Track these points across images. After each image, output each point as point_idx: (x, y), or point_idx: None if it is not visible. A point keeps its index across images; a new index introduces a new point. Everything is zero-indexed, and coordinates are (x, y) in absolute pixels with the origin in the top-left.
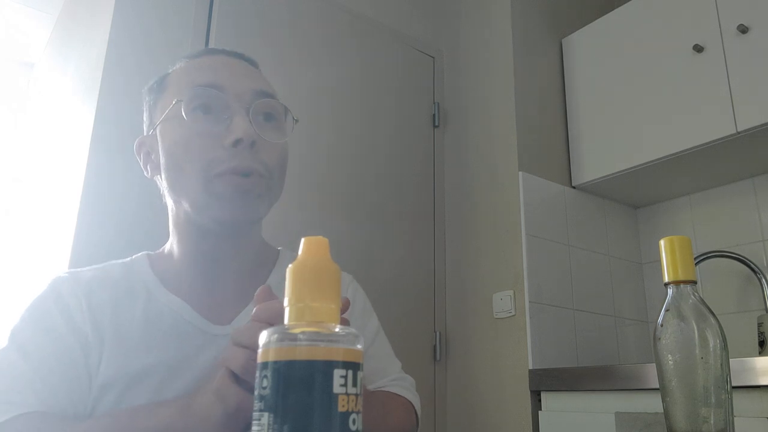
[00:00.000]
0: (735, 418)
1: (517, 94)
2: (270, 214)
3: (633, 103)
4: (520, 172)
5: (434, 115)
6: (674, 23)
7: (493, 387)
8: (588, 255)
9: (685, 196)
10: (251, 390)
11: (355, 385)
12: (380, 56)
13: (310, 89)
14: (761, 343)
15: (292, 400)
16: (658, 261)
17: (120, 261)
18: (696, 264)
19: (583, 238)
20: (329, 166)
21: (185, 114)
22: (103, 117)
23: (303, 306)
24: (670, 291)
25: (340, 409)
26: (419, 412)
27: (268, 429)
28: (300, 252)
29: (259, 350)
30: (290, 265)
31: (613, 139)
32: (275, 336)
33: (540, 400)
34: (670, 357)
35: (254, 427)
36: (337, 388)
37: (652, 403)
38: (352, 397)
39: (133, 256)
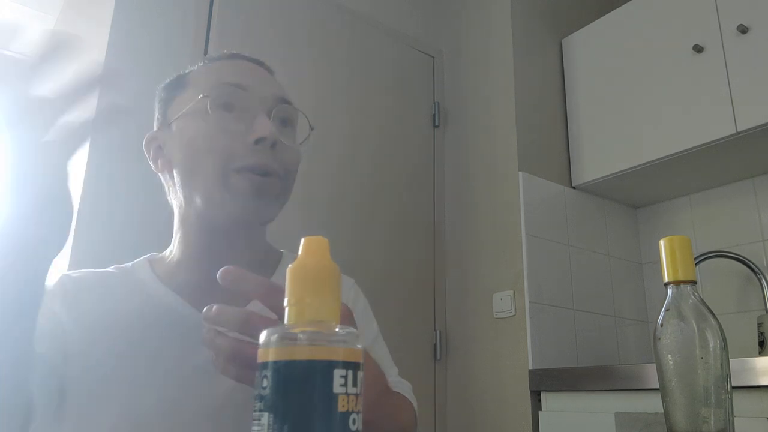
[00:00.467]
0: (735, 418)
1: (517, 94)
2: None
3: (633, 103)
4: (520, 172)
5: (434, 115)
6: (674, 23)
7: (493, 387)
8: (588, 255)
9: (685, 196)
10: (242, 368)
11: (355, 385)
12: (380, 56)
13: (310, 89)
14: (761, 343)
15: (292, 400)
16: (658, 261)
17: (121, 266)
18: (696, 264)
19: (583, 238)
20: (329, 165)
21: (210, 108)
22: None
23: (303, 306)
24: (670, 291)
25: (340, 409)
26: (416, 416)
27: (268, 429)
28: (300, 252)
29: (259, 350)
30: (290, 265)
31: (613, 139)
32: (275, 336)
33: (540, 400)
34: (670, 357)
35: (254, 428)
36: (337, 388)
37: (652, 403)
38: (352, 397)
39: (135, 261)
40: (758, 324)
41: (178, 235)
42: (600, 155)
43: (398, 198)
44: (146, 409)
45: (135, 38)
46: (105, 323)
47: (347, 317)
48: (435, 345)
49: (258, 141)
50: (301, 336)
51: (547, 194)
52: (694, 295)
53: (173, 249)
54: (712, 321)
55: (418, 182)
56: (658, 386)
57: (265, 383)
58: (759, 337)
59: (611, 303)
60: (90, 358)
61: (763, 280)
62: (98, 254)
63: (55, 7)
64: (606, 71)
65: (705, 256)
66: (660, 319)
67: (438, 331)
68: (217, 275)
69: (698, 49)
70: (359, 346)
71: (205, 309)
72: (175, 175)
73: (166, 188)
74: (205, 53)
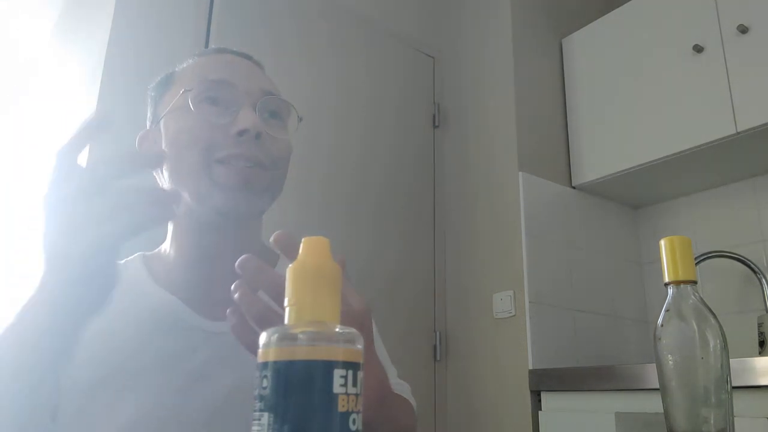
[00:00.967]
0: (735, 418)
1: (517, 94)
2: (270, 215)
3: (633, 103)
4: (520, 172)
5: (434, 115)
6: (674, 23)
7: (493, 387)
8: (588, 255)
9: (685, 196)
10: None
11: (355, 385)
12: (380, 56)
13: (310, 89)
14: (761, 343)
15: (292, 400)
16: (658, 261)
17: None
18: (696, 264)
19: (583, 238)
20: (329, 165)
21: (192, 104)
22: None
23: (303, 306)
24: (670, 291)
25: (340, 409)
26: (416, 417)
27: (268, 429)
28: (300, 252)
29: (259, 350)
30: (290, 265)
31: (613, 139)
32: (275, 336)
33: (540, 400)
34: (670, 357)
35: (254, 428)
36: (337, 388)
37: (652, 403)
38: (352, 397)
39: (128, 258)
40: (758, 324)
41: (171, 233)
42: (600, 155)
43: (398, 198)
44: (144, 412)
45: (135, 38)
46: (101, 322)
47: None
48: (435, 345)
49: (241, 133)
50: (301, 336)
51: (547, 194)
52: (695, 295)
53: (167, 247)
54: (712, 321)
55: (418, 182)
56: (658, 386)
57: (265, 383)
58: (759, 337)
59: (611, 303)
60: (86, 359)
61: (763, 280)
62: None
63: (55, 6)
64: (606, 71)
65: (705, 256)
66: (660, 319)
67: (438, 332)
68: (236, 264)
69: (698, 49)
70: (359, 346)
71: (242, 259)
72: (164, 172)
73: (160, 186)
74: None
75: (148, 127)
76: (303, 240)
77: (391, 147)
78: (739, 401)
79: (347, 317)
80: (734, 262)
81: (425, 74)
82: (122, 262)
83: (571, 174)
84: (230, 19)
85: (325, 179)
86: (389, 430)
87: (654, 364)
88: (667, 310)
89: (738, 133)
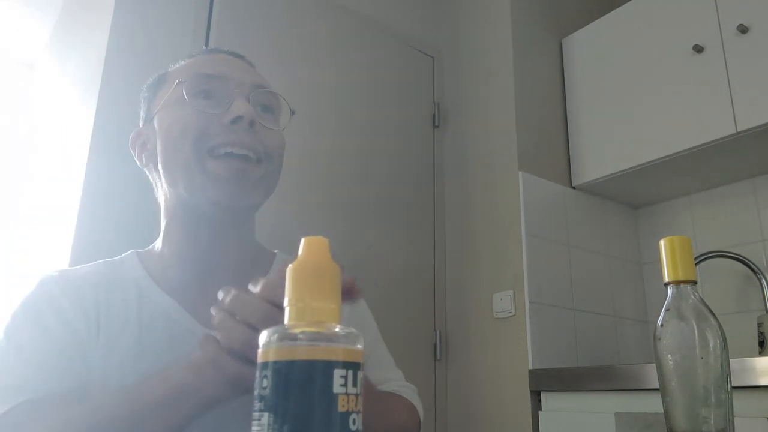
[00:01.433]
0: (735, 418)
1: (517, 94)
2: (268, 214)
3: (633, 103)
4: (520, 172)
5: (434, 115)
6: (674, 23)
7: (493, 387)
8: (588, 255)
9: (685, 196)
10: (246, 360)
11: (355, 385)
12: (380, 56)
13: (309, 89)
14: (761, 343)
15: (292, 400)
16: (658, 261)
17: (109, 260)
18: (696, 264)
19: (583, 238)
20: (329, 165)
21: (186, 95)
22: (103, 117)
23: (303, 306)
24: (670, 291)
25: (340, 409)
26: (422, 419)
27: (268, 429)
28: (300, 252)
29: (259, 350)
30: (290, 265)
31: (613, 139)
32: (275, 336)
33: (540, 400)
34: (670, 357)
35: (254, 428)
36: (337, 388)
37: (652, 403)
38: (352, 397)
39: (122, 255)
40: (758, 324)
41: (165, 229)
42: (600, 155)
43: (398, 198)
44: None
45: (135, 39)
46: (106, 319)
47: (351, 286)
48: (435, 345)
49: (235, 120)
50: (301, 336)
51: (547, 194)
52: (694, 295)
53: (160, 244)
54: (712, 321)
55: (418, 182)
56: (658, 386)
57: (265, 383)
58: (759, 337)
59: (611, 303)
60: (93, 356)
61: (763, 280)
62: (98, 254)
63: (55, 6)
64: (606, 71)
65: (705, 256)
66: (660, 319)
67: (438, 331)
68: (218, 292)
69: (698, 49)
70: (359, 346)
71: (220, 292)
72: (159, 166)
73: (153, 184)
74: None
75: (140, 126)
76: (303, 240)
77: (391, 147)
78: (739, 401)
79: None
80: (734, 262)
81: (425, 74)
82: (117, 258)
83: (571, 174)
84: (230, 19)
85: (324, 179)
86: (379, 428)
87: (654, 364)
88: (667, 310)
89: (738, 133)
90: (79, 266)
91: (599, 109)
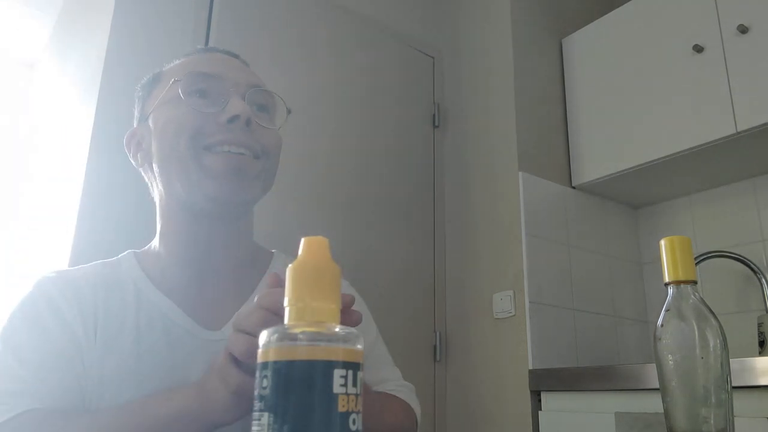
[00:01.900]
0: (735, 418)
1: (517, 94)
2: (268, 214)
3: (633, 103)
4: (520, 172)
5: (434, 115)
6: (674, 23)
7: (493, 387)
8: (588, 255)
9: (685, 196)
10: (252, 373)
11: (355, 385)
12: (380, 56)
13: (309, 89)
14: (761, 343)
15: (292, 400)
16: (658, 261)
17: (107, 260)
18: (696, 264)
19: (583, 238)
20: (329, 165)
21: (182, 94)
22: (103, 117)
23: (303, 306)
24: (670, 291)
25: (340, 409)
26: (419, 418)
27: (268, 429)
28: (300, 252)
29: (259, 350)
30: (290, 265)
31: (613, 139)
32: (275, 336)
33: (540, 400)
34: (670, 357)
35: (254, 428)
36: (337, 388)
37: (652, 403)
38: (352, 397)
39: (120, 255)
40: (758, 324)
41: (161, 229)
42: (600, 155)
43: (398, 198)
44: None
45: (135, 39)
46: (104, 321)
47: (350, 303)
48: (435, 345)
49: (231, 119)
50: (301, 336)
51: (547, 194)
52: (695, 295)
53: (157, 244)
54: (713, 321)
55: (418, 182)
56: (658, 386)
57: (265, 383)
58: (759, 337)
59: (611, 303)
60: (90, 357)
61: (763, 280)
62: (98, 254)
63: (55, 6)
64: (606, 71)
65: (705, 256)
66: (660, 319)
67: (438, 332)
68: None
69: (698, 49)
70: (359, 346)
71: (235, 316)
72: (154, 166)
73: (149, 184)
74: None
75: (135, 126)
76: (303, 240)
77: (391, 147)
78: (739, 401)
79: None
80: (734, 262)
81: (425, 74)
82: (114, 259)
83: (571, 174)
84: (230, 20)
85: (324, 179)
86: (373, 428)
87: (654, 364)
88: (667, 310)
89: (738, 133)
90: (76, 267)
91: (599, 109)
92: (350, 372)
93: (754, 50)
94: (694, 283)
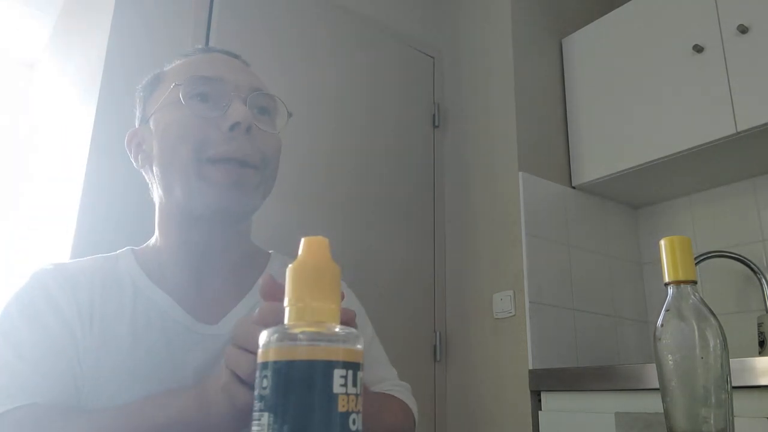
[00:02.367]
0: (735, 418)
1: (517, 94)
2: (268, 214)
3: (633, 103)
4: (520, 172)
5: (434, 115)
6: (674, 23)
7: (493, 387)
8: (588, 255)
9: (685, 196)
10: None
11: (355, 385)
12: (380, 56)
13: (309, 89)
14: (761, 343)
15: (292, 400)
16: (658, 261)
17: (106, 255)
18: (696, 264)
19: (583, 238)
20: (329, 166)
21: (183, 98)
22: (103, 117)
23: (303, 306)
24: (670, 291)
25: (340, 409)
26: (416, 417)
27: (268, 429)
28: (300, 252)
29: (259, 350)
30: (290, 265)
31: (613, 139)
32: (275, 336)
33: (540, 400)
34: (670, 357)
35: (254, 428)
36: (337, 388)
37: (652, 403)
38: (352, 397)
39: (118, 251)
40: (758, 324)
41: (160, 230)
42: (600, 155)
43: (398, 198)
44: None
45: (135, 39)
46: (101, 314)
47: (351, 321)
48: (435, 346)
49: (233, 126)
50: (301, 336)
51: (547, 194)
52: (694, 295)
53: (155, 242)
54: (712, 321)
55: (418, 182)
56: (658, 386)
57: (265, 383)
58: (759, 337)
59: (611, 303)
60: (87, 349)
61: (763, 280)
62: (98, 254)
63: (55, 6)
64: (606, 71)
65: (705, 256)
66: (660, 319)
67: (438, 332)
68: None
69: (698, 49)
70: (359, 346)
71: (233, 327)
72: (154, 168)
73: (149, 184)
74: None
75: (136, 126)
76: (303, 240)
77: (391, 147)
78: (739, 401)
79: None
80: (734, 262)
81: (425, 74)
82: (113, 254)
83: (571, 174)
84: (230, 19)
85: (324, 179)
86: (373, 428)
87: (654, 364)
88: (667, 310)
89: (738, 133)
90: (74, 260)
91: (599, 109)
92: (350, 372)
93: (754, 50)
94: (694, 283)
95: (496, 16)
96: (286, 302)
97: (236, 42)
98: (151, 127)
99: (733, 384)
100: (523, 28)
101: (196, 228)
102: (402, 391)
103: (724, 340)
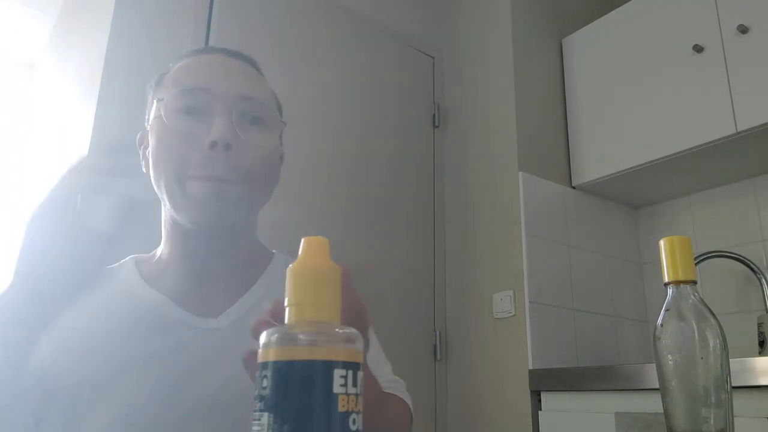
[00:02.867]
0: (735, 418)
1: (517, 94)
2: (268, 215)
3: (633, 103)
4: (520, 172)
5: (434, 115)
6: (674, 23)
7: (493, 387)
8: (588, 255)
9: (685, 196)
10: None
11: (355, 385)
12: (380, 56)
13: (309, 89)
14: (761, 343)
15: (292, 400)
16: (658, 261)
17: (107, 266)
18: (696, 264)
19: (583, 238)
20: (329, 166)
21: (164, 115)
22: (103, 117)
23: (303, 306)
24: (670, 291)
25: (340, 409)
26: (412, 413)
27: (268, 429)
28: (300, 252)
29: (260, 350)
30: (290, 265)
31: (613, 139)
32: (275, 336)
33: (540, 400)
34: (670, 357)
35: (254, 428)
36: (337, 388)
37: (652, 403)
38: (352, 397)
39: (121, 261)
40: (758, 324)
41: (163, 234)
42: (600, 155)
43: (398, 198)
44: (138, 407)
45: (135, 39)
46: (92, 323)
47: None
48: (435, 345)
49: (212, 145)
50: (301, 336)
51: (547, 194)
52: (694, 295)
53: (160, 249)
54: (712, 321)
55: (418, 182)
56: (658, 386)
57: (265, 383)
58: (759, 337)
59: (611, 303)
60: (76, 359)
61: (763, 280)
62: None
63: (55, 6)
64: (606, 71)
65: (705, 256)
66: (660, 319)
67: (438, 331)
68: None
69: (698, 49)
70: (359, 346)
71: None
72: (151, 177)
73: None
74: None
75: (146, 128)
76: (303, 240)
77: (391, 147)
78: (739, 401)
79: (347, 304)
80: (734, 262)
81: (425, 74)
82: (114, 265)
83: (571, 174)
84: (230, 19)
85: (325, 179)
86: (374, 426)
87: (654, 364)
88: (666, 310)
89: (738, 133)
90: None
91: (599, 109)
92: (350, 372)
93: (754, 50)
94: (694, 283)
95: (496, 16)
96: (286, 302)
97: (236, 42)
98: (149, 135)
99: (733, 384)
100: (523, 28)
101: (190, 238)
102: (398, 387)
103: (724, 340)
